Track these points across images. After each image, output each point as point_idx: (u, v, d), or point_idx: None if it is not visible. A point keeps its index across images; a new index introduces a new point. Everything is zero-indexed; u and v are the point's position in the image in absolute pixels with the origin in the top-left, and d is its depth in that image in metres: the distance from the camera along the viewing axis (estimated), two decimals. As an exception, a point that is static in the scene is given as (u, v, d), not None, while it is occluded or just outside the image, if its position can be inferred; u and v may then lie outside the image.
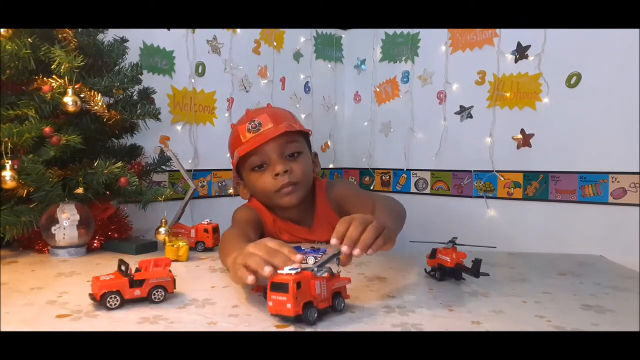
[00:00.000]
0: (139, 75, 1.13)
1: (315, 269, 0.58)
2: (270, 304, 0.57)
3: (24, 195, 0.95)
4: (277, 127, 1.07)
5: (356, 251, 0.62)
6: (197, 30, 1.54)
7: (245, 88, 1.69)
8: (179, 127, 1.52)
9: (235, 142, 1.11)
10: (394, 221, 0.87)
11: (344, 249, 0.62)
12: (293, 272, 0.56)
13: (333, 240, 0.64)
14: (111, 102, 1.11)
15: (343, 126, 2.07)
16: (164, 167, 1.29)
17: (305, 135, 1.16)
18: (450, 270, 0.77)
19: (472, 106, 1.64)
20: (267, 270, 0.57)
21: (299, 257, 0.60)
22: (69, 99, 0.95)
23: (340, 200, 1.15)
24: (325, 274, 0.59)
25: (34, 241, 1.01)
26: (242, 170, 1.13)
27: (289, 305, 0.55)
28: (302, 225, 1.14)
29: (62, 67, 0.96)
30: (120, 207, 1.17)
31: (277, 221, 1.13)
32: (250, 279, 0.59)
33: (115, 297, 0.62)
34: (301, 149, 1.11)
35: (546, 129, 1.48)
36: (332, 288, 0.60)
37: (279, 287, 0.56)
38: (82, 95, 0.99)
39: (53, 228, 0.95)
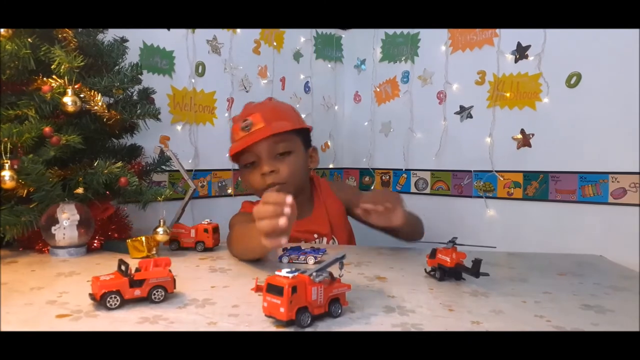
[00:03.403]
0: (139, 75, 1.13)
1: (315, 273, 0.56)
2: (265, 304, 0.56)
3: (24, 195, 0.95)
4: (267, 128, 1.10)
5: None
6: (197, 30, 1.54)
7: (245, 88, 1.69)
8: (179, 127, 1.52)
9: (232, 137, 1.18)
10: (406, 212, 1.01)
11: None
12: (290, 275, 0.55)
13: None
14: (111, 102, 1.11)
15: (343, 126, 2.07)
16: (164, 167, 1.29)
17: (302, 131, 1.18)
18: (450, 270, 0.77)
19: (472, 106, 1.64)
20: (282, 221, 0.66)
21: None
22: (68, 99, 0.95)
23: (354, 195, 1.26)
24: (325, 279, 0.58)
25: (34, 241, 1.01)
26: (238, 164, 1.20)
27: (282, 310, 0.54)
28: (301, 217, 1.16)
29: (62, 67, 0.96)
30: (120, 207, 1.17)
31: None
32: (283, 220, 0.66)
33: (115, 297, 0.62)
34: (291, 148, 1.14)
35: (546, 129, 1.48)
36: (329, 294, 0.58)
37: (275, 290, 0.55)
38: (82, 95, 0.99)
39: (53, 228, 0.95)
